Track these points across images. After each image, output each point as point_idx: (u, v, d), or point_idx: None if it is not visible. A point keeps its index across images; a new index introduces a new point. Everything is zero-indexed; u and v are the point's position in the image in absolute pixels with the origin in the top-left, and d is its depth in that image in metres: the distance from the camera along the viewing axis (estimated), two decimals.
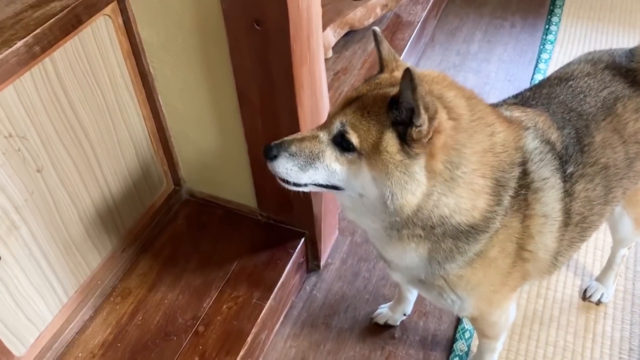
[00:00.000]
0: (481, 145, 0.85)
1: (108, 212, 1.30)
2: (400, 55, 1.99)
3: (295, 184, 0.91)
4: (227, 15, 1.08)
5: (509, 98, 1.12)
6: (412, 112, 0.78)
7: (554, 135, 0.99)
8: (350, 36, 1.99)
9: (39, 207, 1.10)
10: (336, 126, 0.84)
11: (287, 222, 1.45)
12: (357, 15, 1.94)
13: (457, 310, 1.05)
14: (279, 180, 0.93)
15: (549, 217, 0.96)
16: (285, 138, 0.89)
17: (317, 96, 1.21)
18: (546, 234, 0.98)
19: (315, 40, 1.12)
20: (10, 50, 0.94)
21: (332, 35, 1.90)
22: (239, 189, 1.46)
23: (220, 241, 1.43)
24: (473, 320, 1.14)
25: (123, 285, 1.34)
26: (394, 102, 0.80)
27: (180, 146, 1.44)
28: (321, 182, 0.88)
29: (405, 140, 0.80)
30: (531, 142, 0.96)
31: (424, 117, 0.77)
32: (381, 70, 0.91)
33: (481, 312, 1.07)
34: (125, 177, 1.33)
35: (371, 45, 2.01)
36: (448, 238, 0.88)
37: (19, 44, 0.95)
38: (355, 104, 0.85)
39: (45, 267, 1.16)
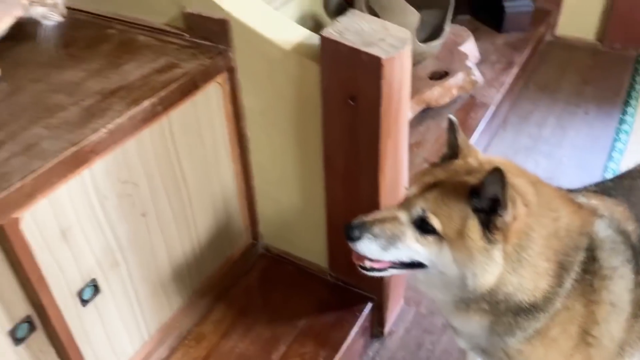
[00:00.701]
0: (546, 229, 0.91)
1: (193, 259, 1.40)
2: (472, 133, 2.07)
3: (376, 270, 0.98)
4: (324, 91, 1.19)
5: (590, 185, 1.16)
6: (495, 202, 0.85)
7: (630, 227, 1.02)
8: (426, 113, 2.09)
9: (138, 249, 1.21)
10: (417, 210, 0.91)
11: (355, 285, 1.50)
12: (434, 94, 2.04)
13: None
14: (358, 267, 1.00)
15: (616, 306, 0.98)
16: (365, 218, 0.95)
17: (398, 167, 1.29)
18: (612, 322, 0.99)
19: (402, 116, 1.21)
20: (138, 108, 1.08)
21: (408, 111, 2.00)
22: (312, 249, 1.53)
23: (290, 297, 1.50)
24: None
25: (198, 330, 1.41)
26: (474, 191, 0.88)
27: (262, 203, 1.55)
28: (405, 260, 0.94)
29: (488, 227, 0.87)
30: (603, 230, 0.99)
31: (509, 210, 0.85)
32: (454, 155, 0.98)
33: None
34: (211, 228, 1.43)
35: (444, 123, 2.09)
36: (509, 313, 0.93)
37: (146, 103, 1.09)
38: (436, 190, 0.91)
39: (135, 305, 1.25)
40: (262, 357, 1.34)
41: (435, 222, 0.89)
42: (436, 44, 2.09)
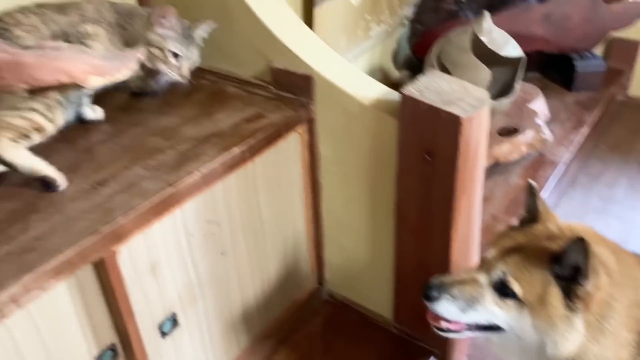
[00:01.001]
0: (628, 298, 0.90)
1: (262, 299, 1.44)
2: (541, 192, 2.05)
3: (452, 331, 0.98)
4: (401, 145, 1.24)
5: None
6: (576, 270, 0.85)
7: None
8: (494, 168, 2.09)
9: (216, 286, 1.27)
10: (497, 274, 0.92)
11: (420, 339, 1.49)
12: (503, 151, 2.04)
13: None
14: (433, 328, 1.00)
15: None
16: (444, 279, 0.96)
17: (470, 223, 1.30)
18: None
19: (477, 173, 1.24)
20: (229, 154, 1.16)
21: None
22: (377, 299, 1.55)
23: (353, 345, 1.50)
24: None
25: None
26: (556, 258, 0.88)
27: (330, 249, 1.59)
28: (482, 322, 0.95)
29: (569, 295, 0.87)
30: None
31: (592, 280, 0.85)
32: (533, 219, 0.99)
33: None
34: (280, 270, 1.48)
35: (513, 179, 2.09)
36: None
37: (236, 150, 1.17)
38: (516, 254, 0.92)
39: (207, 341, 1.30)
40: None
41: (515, 287, 0.90)
42: (506, 101, 2.11)
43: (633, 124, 2.62)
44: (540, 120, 2.16)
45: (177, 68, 1.26)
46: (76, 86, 0.89)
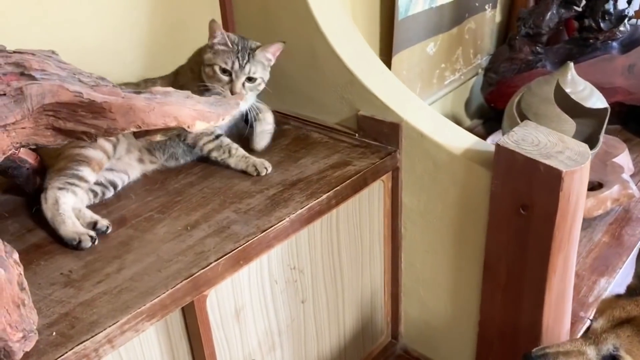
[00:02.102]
0: None
1: (337, 351, 1.40)
2: (630, 251, 1.93)
3: None
4: (493, 198, 1.19)
5: None
6: None
7: None
8: None
9: (294, 335, 1.24)
10: (608, 347, 0.86)
11: None
12: (587, 206, 1.94)
13: None
14: None
15: None
16: (548, 350, 0.91)
17: (565, 283, 1.23)
18: None
19: (575, 231, 1.17)
20: (316, 201, 1.15)
21: None
22: (456, 358, 1.47)
23: None
24: None
25: None
26: None
27: (407, 302, 1.53)
28: None
29: None
30: None
31: None
32: None
33: None
34: (356, 321, 1.44)
35: (597, 236, 1.98)
36: None
37: (323, 196, 1.16)
38: (629, 327, 0.87)
39: None
40: None
41: None
42: (591, 154, 2.02)
43: None
44: (626, 175, 2.06)
45: (227, 84, 1.22)
46: (181, 129, 0.90)
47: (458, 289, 1.39)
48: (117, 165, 1.18)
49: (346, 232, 1.30)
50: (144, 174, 1.24)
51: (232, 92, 1.21)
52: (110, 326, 0.85)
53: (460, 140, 1.27)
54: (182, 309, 0.99)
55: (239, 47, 1.22)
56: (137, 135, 0.93)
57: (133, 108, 0.86)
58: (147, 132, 0.92)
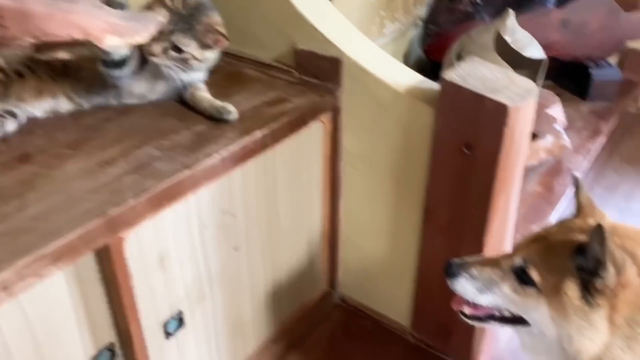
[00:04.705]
0: None
1: (273, 300, 1.33)
2: (559, 200, 1.97)
3: (476, 318, 0.95)
4: (437, 137, 1.14)
5: None
6: (599, 263, 0.79)
7: None
8: None
9: (225, 284, 1.16)
10: (519, 259, 0.88)
11: (440, 349, 1.38)
12: None
13: None
14: (462, 316, 0.97)
15: None
16: (468, 259, 0.94)
17: (505, 226, 1.21)
18: None
19: (518, 171, 1.14)
20: (250, 138, 1.05)
21: None
22: (394, 305, 1.44)
23: (366, 354, 1.40)
24: None
25: None
26: (581, 249, 0.82)
27: (345, 250, 1.48)
28: (501, 307, 0.90)
29: (588, 289, 0.81)
30: None
31: (610, 272, 0.79)
32: (577, 215, 0.93)
33: None
34: (292, 269, 1.37)
35: (531, 186, 2.00)
36: None
37: (258, 133, 1.06)
38: (542, 242, 0.88)
39: (213, 344, 1.18)
40: None
41: (534, 274, 0.85)
42: None
43: None
44: (559, 127, 2.08)
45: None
46: (89, 45, 0.77)
47: (398, 234, 1.34)
48: (16, 92, 1.01)
49: (283, 175, 1.21)
50: (54, 109, 1.07)
51: None
52: (5, 270, 0.73)
53: (404, 77, 1.20)
54: (97, 253, 0.88)
55: None
56: (38, 49, 0.79)
57: (29, 14, 0.73)
58: (49, 47, 0.78)
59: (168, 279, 1.02)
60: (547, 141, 2.00)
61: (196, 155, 0.98)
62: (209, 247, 1.08)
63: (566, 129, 2.28)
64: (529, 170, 2.04)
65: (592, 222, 0.89)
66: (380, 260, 1.42)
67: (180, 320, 1.07)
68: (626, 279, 0.80)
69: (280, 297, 1.36)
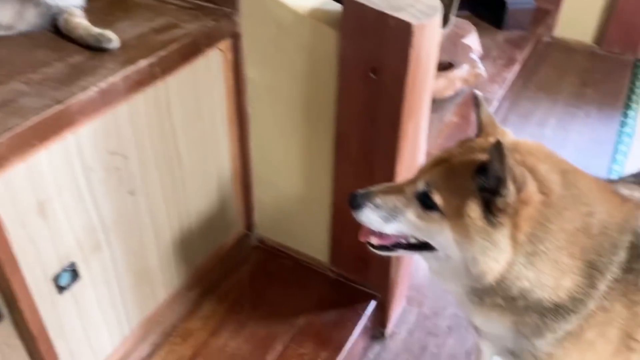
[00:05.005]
0: (572, 223, 0.82)
1: (183, 246, 1.26)
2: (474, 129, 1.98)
3: (383, 248, 0.93)
4: (342, 62, 1.07)
5: (628, 176, 1.06)
6: (500, 181, 0.77)
7: None
8: None
9: (124, 231, 1.07)
10: (421, 184, 0.85)
11: (359, 281, 1.38)
12: (438, 86, 1.94)
13: None
14: (369, 247, 0.95)
15: None
16: (372, 188, 0.91)
17: (416, 153, 1.18)
18: None
19: (426, 96, 1.11)
20: (134, 67, 0.94)
21: None
22: (312, 241, 1.41)
23: (287, 293, 1.37)
24: None
25: (185, 326, 1.27)
26: (482, 169, 0.80)
27: (260, 189, 1.42)
28: (407, 234, 0.88)
29: (490, 208, 0.79)
30: None
31: (511, 189, 0.77)
32: (478, 134, 0.91)
33: None
34: (204, 213, 1.30)
35: (448, 116, 2.00)
36: (532, 312, 0.85)
37: (143, 63, 0.96)
38: (445, 164, 0.85)
39: (117, 295, 1.11)
40: (257, 357, 1.21)
41: (437, 198, 0.82)
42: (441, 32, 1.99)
43: (559, 65, 2.62)
44: (475, 56, 2.08)
45: None
46: None
47: (311, 169, 1.29)
48: None
49: (181, 112, 1.11)
50: None
51: None
52: None
53: None
54: None
55: None
56: None
57: None
58: None
59: (53, 228, 0.92)
60: (463, 70, 1.99)
61: (70, 89, 0.87)
62: (99, 191, 0.98)
63: (482, 58, 2.28)
64: (445, 101, 2.04)
65: (494, 140, 0.87)
66: (296, 198, 1.37)
67: (73, 273, 0.98)
68: (527, 195, 0.78)
69: (192, 242, 1.29)
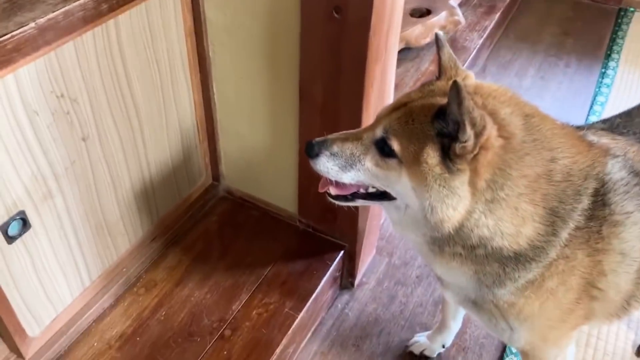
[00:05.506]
0: (533, 169, 0.78)
1: (144, 197, 1.22)
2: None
3: (342, 198, 0.90)
4: (304, 0, 1.01)
5: (596, 122, 1.04)
6: (458, 125, 0.73)
7: None
8: (405, 53, 1.94)
9: (78, 179, 1.03)
10: (380, 130, 0.81)
11: (327, 232, 1.36)
12: (415, 33, 1.88)
13: (508, 340, 0.97)
14: (328, 198, 0.91)
15: (626, 256, 0.87)
16: (329, 136, 0.87)
17: (384, 99, 1.14)
18: (621, 273, 0.88)
19: (393, 37, 1.06)
20: (77, 2, 0.88)
21: None
22: (280, 192, 1.38)
23: (254, 243, 1.35)
24: (524, 355, 1.04)
25: (149, 277, 1.25)
26: (441, 113, 0.75)
27: (225, 139, 1.37)
28: (366, 183, 0.85)
29: (448, 154, 0.75)
30: (617, 172, 0.87)
31: (469, 133, 0.73)
32: (439, 76, 0.87)
33: (534, 347, 0.98)
34: (166, 163, 1.26)
35: (425, 65, 1.95)
36: (493, 261, 0.83)
37: None
38: (403, 109, 0.81)
39: (74, 245, 1.08)
40: (222, 307, 1.20)
41: (394, 144, 0.78)
42: None
43: (541, 14, 2.56)
44: (453, 2, 2.01)
45: None
46: None
47: (276, 118, 1.25)
48: None
49: (134, 53, 1.05)
50: None
51: None
52: None
53: None
54: None
55: None
56: None
57: None
58: None
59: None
60: (440, 17, 1.93)
61: (5, 24, 0.81)
62: (47, 137, 0.94)
63: (461, 5, 2.22)
64: (422, 49, 1.98)
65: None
66: (262, 148, 1.33)
67: (23, 221, 0.95)
68: (486, 139, 0.75)
69: (154, 193, 1.25)
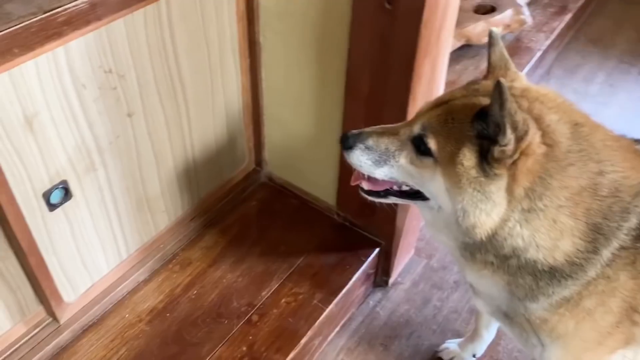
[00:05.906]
0: (577, 181, 0.73)
1: (187, 177, 1.24)
2: None
3: (374, 194, 0.88)
4: None
5: None
6: (499, 128, 0.69)
7: None
8: (465, 50, 1.87)
9: (122, 154, 1.05)
10: (418, 127, 0.78)
11: (364, 227, 1.34)
12: (477, 30, 1.81)
13: (539, 357, 0.92)
14: (361, 192, 0.90)
15: None
16: (366, 129, 0.84)
17: (432, 95, 1.10)
18: None
19: (446, 33, 1.01)
20: None
21: None
22: (320, 183, 1.37)
23: (290, 232, 1.34)
24: None
25: (184, 255, 1.27)
26: (483, 114, 0.72)
27: (270, 126, 1.37)
28: (399, 181, 0.83)
29: (486, 157, 0.72)
30: None
31: (510, 137, 0.69)
32: (487, 76, 0.83)
33: None
34: (210, 145, 1.27)
35: (484, 64, 1.88)
36: (526, 274, 0.79)
37: None
38: (444, 107, 0.78)
39: (114, 218, 1.11)
40: (251, 292, 1.20)
41: (432, 142, 0.76)
42: None
43: (617, 17, 2.41)
44: (521, 0, 1.92)
45: None
46: None
47: (321, 107, 1.23)
48: None
49: (184, 34, 1.06)
50: None
51: None
52: None
53: None
54: None
55: None
56: None
57: None
58: None
59: (42, 143, 0.90)
60: (505, 15, 1.85)
61: None
62: (94, 111, 0.96)
63: (531, 5, 2.12)
64: (484, 48, 1.90)
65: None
66: (305, 137, 1.32)
67: (65, 191, 0.98)
68: (528, 145, 0.71)
69: (196, 173, 1.27)
